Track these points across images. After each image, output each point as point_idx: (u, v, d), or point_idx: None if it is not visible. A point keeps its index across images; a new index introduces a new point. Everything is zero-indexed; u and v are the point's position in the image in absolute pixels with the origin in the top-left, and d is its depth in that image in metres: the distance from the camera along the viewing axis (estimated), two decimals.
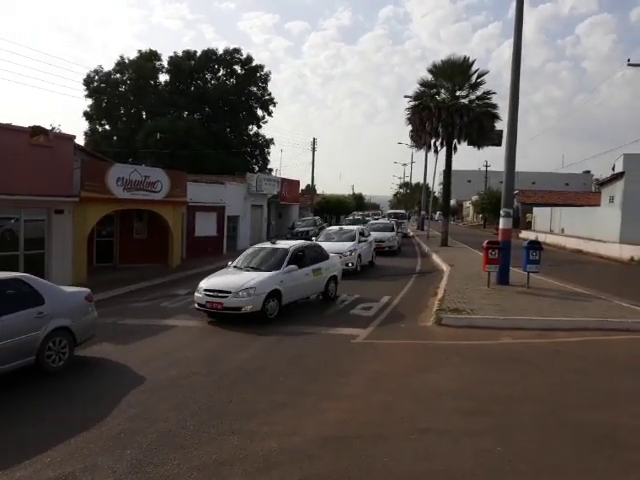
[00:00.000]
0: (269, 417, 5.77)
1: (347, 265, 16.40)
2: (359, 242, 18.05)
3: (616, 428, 5.45)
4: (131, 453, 4.91)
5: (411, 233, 39.86)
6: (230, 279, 10.78)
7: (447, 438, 5.21)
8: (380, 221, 30.04)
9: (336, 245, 17.08)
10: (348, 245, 17.42)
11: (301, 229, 30.49)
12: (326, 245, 16.40)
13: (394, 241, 24.38)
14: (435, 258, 22.54)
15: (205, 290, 10.48)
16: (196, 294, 10.71)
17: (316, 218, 35.73)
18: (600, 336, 9.43)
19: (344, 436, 5.29)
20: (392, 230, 25.20)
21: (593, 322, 10.05)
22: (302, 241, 13.65)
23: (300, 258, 11.69)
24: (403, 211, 49.32)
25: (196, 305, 10.66)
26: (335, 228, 20.46)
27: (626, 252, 23.27)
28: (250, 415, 5.81)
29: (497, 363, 7.92)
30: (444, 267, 18.90)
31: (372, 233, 23.31)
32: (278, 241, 12.73)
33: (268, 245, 12.33)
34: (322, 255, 12.82)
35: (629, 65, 23.87)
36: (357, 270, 17.11)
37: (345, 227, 20.50)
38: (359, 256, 17.51)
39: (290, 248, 11.66)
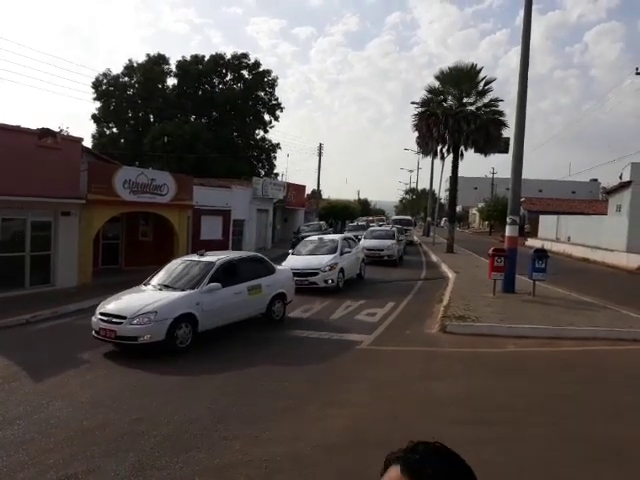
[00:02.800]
0: (272, 423, 5.75)
1: (326, 282, 14.71)
2: (342, 254, 15.80)
3: (622, 440, 5.39)
4: (134, 456, 4.90)
5: (417, 240, 38.97)
6: (131, 301, 8.92)
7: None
8: (381, 228, 28.17)
9: (313, 259, 15.30)
10: (327, 259, 15.17)
11: (306, 234, 30.50)
12: (302, 259, 15.32)
13: (394, 250, 22.50)
14: (440, 265, 22.50)
15: (100, 314, 8.66)
16: (93, 318, 8.83)
17: (321, 223, 35.67)
18: (607, 346, 9.35)
19: (347, 443, 5.26)
20: (392, 238, 23.38)
21: (600, 331, 9.96)
22: (238, 252, 11.57)
23: (230, 274, 9.87)
24: (409, 217, 48.62)
25: (93, 332, 8.72)
26: (314, 239, 17.71)
27: (633, 261, 23.13)
28: (253, 420, 5.80)
29: (502, 372, 7.87)
30: (449, 274, 18.85)
31: (371, 240, 22.88)
32: (207, 253, 10.73)
33: (193, 258, 10.41)
34: (265, 269, 10.95)
35: (637, 74, 23.83)
36: (339, 287, 15.06)
37: (325, 237, 17.83)
38: (341, 271, 15.31)
39: (216, 262, 9.78)
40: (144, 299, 8.82)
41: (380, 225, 35.28)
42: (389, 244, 22.60)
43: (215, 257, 10.14)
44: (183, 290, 9.11)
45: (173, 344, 8.43)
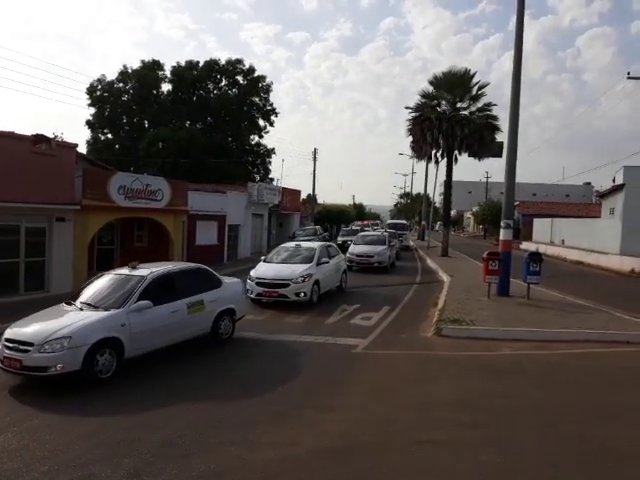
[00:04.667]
0: (268, 428, 5.74)
1: (297, 295, 13.06)
2: (318, 264, 14.08)
3: (618, 440, 5.41)
4: (129, 462, 4.88)
5: (413, 245, 38.77)
6: (43, 324, 7.55)
7: (447, 450, 5.18)
8: (372, 233, 27.12)
9: (285, 268, 13.67)
10: (300, 269, 13.45)
11: (302, 238, 30.51)
12: (272, 268, 13.86)
13: (385, 256, 21.48)
14: (435, 269, 22.54)
15: (5, 340, 7.33)
16: None
17: (317, 227, 35.74)
18: (601, 348, 9.40)
19: (343, 447, 5.26)
20: (384, 243, 22.35)
21: (594, 334, 10.01)
22: (177, 264, 10.21)
23: (166, 289, 8.63)
24: (404, 221, 48.52)
25: None
26: (290, 245, 16.02)
27: (627, 264, 23.24)
28: (249, 426, 5.79)
29: (497, 374, 7.89)
30: (444, 278, 18.89)
31: (361, 246, 22.32)
32: (141, 265, 9.22)
33: (123, 271, 9.02)
34: (208, 282, 9.64)
35: (629, 78, 24.02)
36: (313, 301, 13.37)
37: (303, 244, 15.97)
38: (316, 283, 13.58)
39: (147, 275, 8.48)
40: (58, 321, 7.51)
41: (374, 229, 35.16)
42: (380, 250, 21.71)
43: (148, 270, 8.81)
44: (107, 310, 7.82)
45: (93, 374, 7.17)
